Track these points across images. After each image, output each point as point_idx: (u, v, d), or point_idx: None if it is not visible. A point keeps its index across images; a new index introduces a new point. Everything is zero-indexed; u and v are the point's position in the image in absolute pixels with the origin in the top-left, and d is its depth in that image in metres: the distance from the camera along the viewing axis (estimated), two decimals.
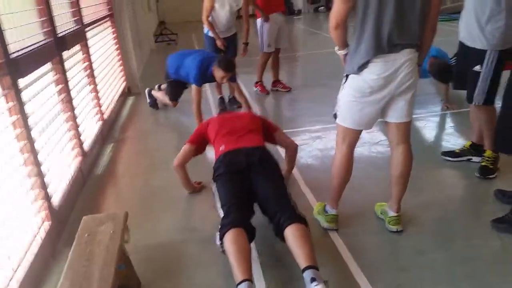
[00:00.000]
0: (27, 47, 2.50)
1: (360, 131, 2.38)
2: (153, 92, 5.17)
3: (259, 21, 5.24)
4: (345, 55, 2.27)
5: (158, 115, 5.10)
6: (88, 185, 3.35)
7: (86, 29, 4.07)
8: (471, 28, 2.86)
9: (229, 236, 2.06)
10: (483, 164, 3.07)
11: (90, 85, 4.07)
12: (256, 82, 5.58)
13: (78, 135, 3.35)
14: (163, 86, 5.11)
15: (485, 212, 2.61)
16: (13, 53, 2.29)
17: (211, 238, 2.38)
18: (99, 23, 4.80)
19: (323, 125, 4.26)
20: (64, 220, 2.76)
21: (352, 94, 2.25)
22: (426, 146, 3.72)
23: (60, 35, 3.16)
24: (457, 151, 3.36)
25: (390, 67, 2.12)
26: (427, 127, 4.20)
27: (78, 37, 3.71)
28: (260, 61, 5.45)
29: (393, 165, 2.41)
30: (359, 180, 2.76)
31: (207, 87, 5.46)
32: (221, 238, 2.11)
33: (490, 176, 3.03)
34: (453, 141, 3.80)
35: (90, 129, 3.82)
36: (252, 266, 2.01)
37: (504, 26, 2.72)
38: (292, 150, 3.07)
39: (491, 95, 2.93)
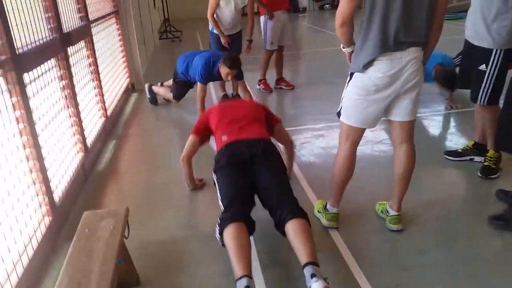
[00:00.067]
0: (32, 43, 2.51)
1: (364, 130, 2.37)
2: (154, 88, 5.18)
3: (263, 18, 5.24)
4: (351, 53, 2.27)
5: (161, 112, 5.11)
6: (90, 181, 3.36)
7: (92, 25, 4.08)
8: (477, 27, 2.85)
9: (229, 231, 2.05)
10: (485, 164, 3.05)
11: (94, 81, 4.08)
12: (260, 80, 5.58)
13: (81, 131, 3.36)
14: (166, 83, 5.13)
15: (487, 212, 2.59)
16: (19, 48, 2.30)
17: (212, 230, 2.36)
18: (105, 19, 4.81)
19: (326, 123, 4.25)
20: (65, 216, 2.77)
21: (357, 92, 2.24)
22: (429, 145, 3.71)
23: (65, 31, 3.18)
24: (459, 150, 3.35)
25: (395, 65, 2.12)
26: (430, 126, 4.19)
27: (83, 33, 3.73)
28: (263, 58, 5.45)
29: (396, 164, 2.40)
30: (360, 179, 2.76)
31: (211, 86, 5.46)
32: (221, 232, 2.10)
33: (492, 176, 3.02)
34: (456, 140, 3.79)
35: (93, 125, 3.84)
36: (251, 262, 2.01)
37: (511, 25, 2.71)
38: (290, 145, 3.07)
39: (495, 94, 2.92)
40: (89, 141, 3.58)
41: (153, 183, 3.31)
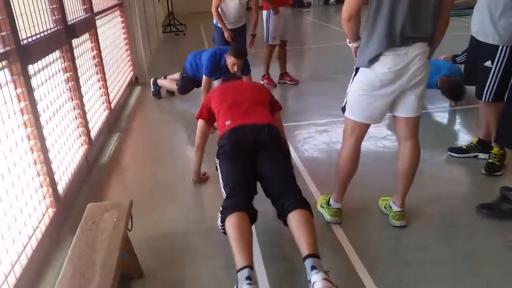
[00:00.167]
0: (37, 34, 2.51)
1: (369, 125, 2.36)
2: (158, 81, 5.20)
3: (265, 13, 5.22)
4: (357, 47, 2.25)
5: (165, 105, 5.11)
6: (94, 174, 3.37)
7: (96, 17, 4.08)
8: (483, 23, 2.83)
9: (231, 220, 2.03)
10: (489, 161, 3.04)
11: (98, 74, 4.08)
12: (263, 75, 5.57)
13: (85, 123, 3.36)
14: (169, 76, 5.13)
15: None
16: (24, 39, 2.30)
17: (216, 224, 2.35)
18: (109, 12, 4.81)
19: (330, 119, 4.24)
20: (68, 208, 2.78)
21: (362, 87, 2.23)
22: (433, 141, 3.69)
23: (70, 23, 3.17)
24: (464, 147, 3.34)
25: (401, 61, 2.10)
26: (435, 123, 4.17)
27: (87, 25, 3.72)
28: (265, 53, 5.44)
29: (400, 160, 2.40)
30: (364, 174, 2.75)
31: (215, 84, 5.45)
32: (223, 221, 2.08)
33: (497, 173, 3.01)
34: (460, 137, 3.78)
35: (97, 118, 3.84)
36: (253, 253, 2.00)
37: None
38: (283, 135, 2.94)
39: (501, 91, 2.89)
40: (93, 133, 3.58)
41: (156, 176, 3.31)
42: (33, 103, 2.34)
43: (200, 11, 13.79)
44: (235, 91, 2.80)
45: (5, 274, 1.91)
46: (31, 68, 2.41)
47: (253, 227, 2.15)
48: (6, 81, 2.14)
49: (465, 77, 3.31)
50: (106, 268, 1.69)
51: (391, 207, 2.52)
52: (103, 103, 4.17)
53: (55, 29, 2.87)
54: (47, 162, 2.45)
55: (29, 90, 2.32)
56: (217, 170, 2.42)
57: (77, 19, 3.40)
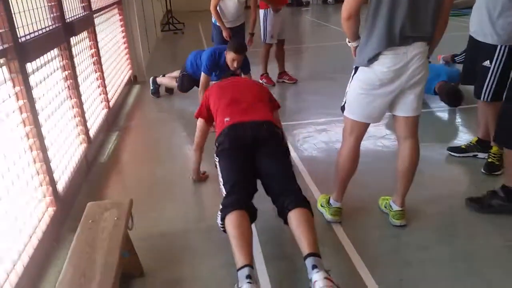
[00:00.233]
0: (35, 32, 2.50)
1: (368, 124, 2.36)
2: (157, 79, 5.19)
3: (262, 12, 5.21)
4: (356, 47, 2.25)
5: (163, 104, 5.10)
6: (93, 173, 3.36)
7: (94, 15, 4.06)
8: (482, 23, 2.84)
9: (231, 218, 2.02)
10: (489, 160, 3.05)
11: (96, 72, 4.07)
12: (262, 74, 5.56)
13: (84, 121, 3.35)
14: (168, 74, 5.12)
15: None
16: (22, 37, 2.29)
17: (215, 222, 2.34)
18: (107, 10, 4.79)
19: (329, 118, 4.24)
20: (68, 206, 2.77)
21: (361, 87, 2.23)
22: (432, 141, 3.70)
23: (68, 20, 3.16)
24: (463, 146, 3.35)
25: (400, 60, 2.10)
26: (434, 122, 4.17)
27: (86, 23, 3.70)
28: (263, 52, 5.43)
29: (400, 159, 2.40)
30: (363, 174, 2.75)
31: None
32: (223, 219, 2.07)
33: (496, 173, 3.02)
34: (460, 136, 3.78)
35: (95, 116, 3.83)
36: (253, 251, 2.00)
37: None
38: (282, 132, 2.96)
39: (500, 91, 2.90)
40: (92, 132, 3.57)
41: (155, 174, 3.30)
42: (31, 101, 2.33)
43: (199, 9, 13.77)
44: (234, 88, 2.78)
45: (7, 273, 1.90)
46: (29, 66, 2.39)
47: (253, 225, 2.15)
48: (5, 79, 2.12)
49: (464, 77, 3.32)
50: (107, 267, 1.69)
51: (391, 206, 2.52)
52: (101, 102, 4.15)
53: (53, 26, 2.85)
54: (46, 160, 2.44)
55: (28, 88, 2.30)
56: (216, 167, 2.41)
57: (75, 17, 3.38)
